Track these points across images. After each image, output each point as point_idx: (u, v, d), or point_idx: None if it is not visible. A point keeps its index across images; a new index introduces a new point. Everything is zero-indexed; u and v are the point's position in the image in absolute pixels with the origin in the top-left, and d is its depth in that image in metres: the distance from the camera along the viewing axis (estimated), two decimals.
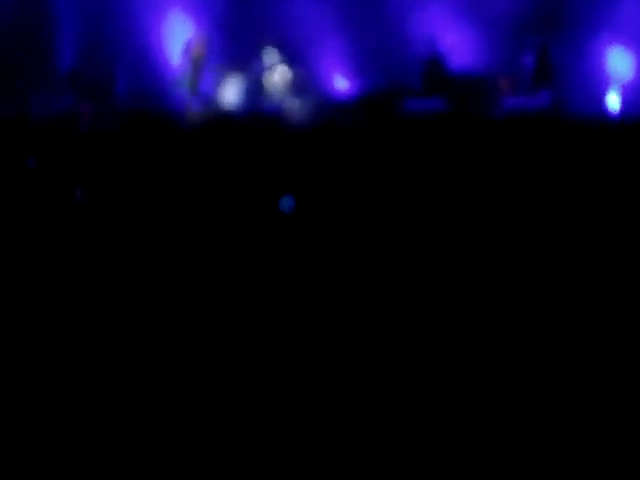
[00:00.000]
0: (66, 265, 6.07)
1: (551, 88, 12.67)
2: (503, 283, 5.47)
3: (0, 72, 13.05)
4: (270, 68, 13.75)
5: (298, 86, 13.81)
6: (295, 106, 13.70)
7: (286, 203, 6.96)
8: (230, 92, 13.51)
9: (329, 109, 12.81)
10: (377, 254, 6.09)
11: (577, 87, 12.87)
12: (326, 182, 8.07)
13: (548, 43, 12.93)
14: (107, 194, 8.05)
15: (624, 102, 12.85)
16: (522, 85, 12.86)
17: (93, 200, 7.97)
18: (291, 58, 13.75)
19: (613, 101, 12.86)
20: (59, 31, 13.95)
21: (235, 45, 13.82)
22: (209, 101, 13.32)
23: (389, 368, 4.52)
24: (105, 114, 12.56)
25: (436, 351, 4.68)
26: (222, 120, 11.76)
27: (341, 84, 14.01)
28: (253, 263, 6.01)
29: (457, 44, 13.27)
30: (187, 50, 13.07)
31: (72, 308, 5.28)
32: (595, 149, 8.86)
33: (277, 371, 4.52)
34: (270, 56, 13.73)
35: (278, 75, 13.75)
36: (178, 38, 13.63)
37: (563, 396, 4.18)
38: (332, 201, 7.48)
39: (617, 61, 13.09)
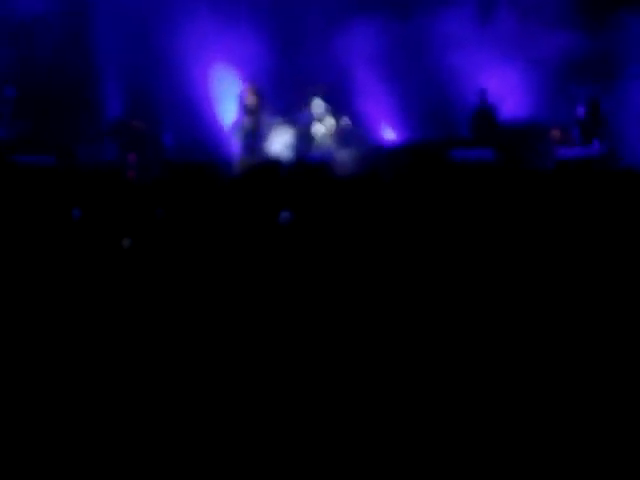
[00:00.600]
0: (111, 311, 6.05)
1: (603, 139, 12.53)
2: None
3: (49, 122, 13.21)
4: (317, 118, 13.79)
5: (345, 136, 13.82)
6: (342, 156, 13.69)
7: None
8: (279, 142, 13.56)
9: (376, 158, 12.75)
10: (418, 303, 5.97)
11: (630, 139, 12.73)
12: (372, 231, 8.00)
13: (599, 95, 12.84)
14: (153, 243, 8.04)
15: None
16: (574, 136, 12.75)
17: (139, 249, 7.95)
18: (338, 108, 13.79)
19: None
20: (106, 82, 14.12)
21: (283, 96, 13.90)
22: (258, 151, 13.37)
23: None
24: (151, 165, 12.64)
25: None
26: (271, 169, 11.76)
27: (388, 134, 13.99)
28: (297, 314, 5.92)
29: (507, 95, 13.17)
30: (241, 101, 13.15)
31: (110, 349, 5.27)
32: None
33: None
34: (317, 106, 13.78)
35: (325, 125, 13.78)
36: (225, 90, 13.73)
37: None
38: (379, 249, 7.41)
39: None
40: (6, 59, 13.69)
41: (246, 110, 13.00)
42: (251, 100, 13.00)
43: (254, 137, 12.98)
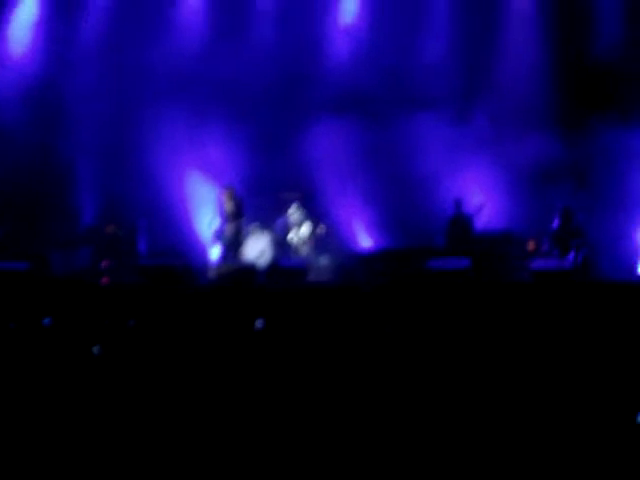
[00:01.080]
0: (85, 416, 5.99)
1: (578, 250, 12.59)
2: None
3: (22, 228, 13.13)
4: (294, 224, 13.80)
5: (321, 243, 13.82)
6: (318, 262, 13.67)
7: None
8: (255, 248, 13.53)
9: (352, 266, 12.73)
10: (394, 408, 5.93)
11: (605, 251, 12.79)
12: (347, 338, 7.96)
13: (572, 207, 12.94)
14: (124, 351, 7.94)
15: None
16: (548, 247, 12.81)
17: (110, 354, 7.85)
18: (315, 215, 13.83)
19: None
20: (80, 188, 14.13)
21: (259, 202, 13.95)
22: (235, 256, 13.33)
23: None
24: (125, 270, 12.56)
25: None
26: (244, 274, 11.72)
27: (364, 241, 14.01)
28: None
29: (483, 205, 13.29)
30: (221, 207, 13.15)
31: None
32: (623, 311, 8.74)
33: None
34: (294, 213, 13.81)
35: (302, 231, 13.79)
36: (200, 195, 13.77)
37: None
38: (354, 355, 7.39)
39: None
40: None
41: (226, 216, 13.01)
42: (230, 206, 13.03)
43: (236, 242, 12.97)
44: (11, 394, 6.49)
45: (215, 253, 12.99)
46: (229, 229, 12.93)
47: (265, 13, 14.60)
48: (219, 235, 12.99)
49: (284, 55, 14.22)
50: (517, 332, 8.13)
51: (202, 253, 13.15)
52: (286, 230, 13.76)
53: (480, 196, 13.36)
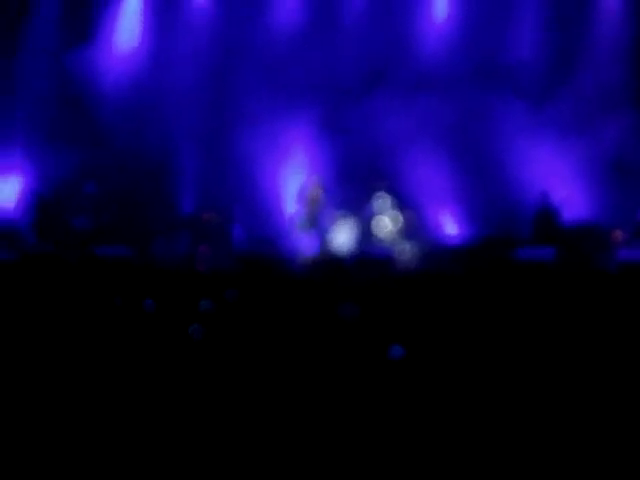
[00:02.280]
0: (182, 399, 6.19)
1: None
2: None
3: (126, 216, 13.65)
4: (381, 212, 13.99)
5: (408, 231, 13.96)
6: (405, 251, 13.81)
7: (395, 351, 7.02)
8: (342, 236, 13.73)
9: (439, 255, 12.86)
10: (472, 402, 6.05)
11: None
12: (433, 328, 8.07)
13: None
14: (222, 333, 8.18)
15: None
16: (635, 238, 12.76)
17: (209, 337, 8.11)
18: (401, 203, 14.00)
19: None
20: (180, 177, 14.52)
21: (347, 190, 14.11)
22: (323, 245, 13.54)
23: None
24: (222, 257, 12.89)
25: None
26: (334, 264, 11.90)
27: (451, 230, 14.12)
28: (366, 414, 6.02)
29: (570, 196, 13.31)
30: (302, 192, 13.35)
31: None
32: None
33: None
34: (381, 201, 13.99)
35: (388, 219, 13.94)
36: (293, 184, 14.03)
37: None
38: (439, 346, 7.47)
39: None
40: (90, 158, 14.21)
41: (307, 202, 13.13)
42: (313, 192, 13.14)
43: (316, 229, 13.10)
44: (112, 377, 6.73)
45: (299, 241, 13.15)
46: (310, 216, 13.03)
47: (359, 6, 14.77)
48: (299, 222, 13.11)
49: (376, 47, 14.37)
50: (602, 323, 8.10)
51: (291, 242, 13.40)
52: (374, 218, 13.94)
53: (566, 188, 13.37)
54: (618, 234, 12.74)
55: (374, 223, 13.88)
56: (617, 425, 5.22)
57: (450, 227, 14.15)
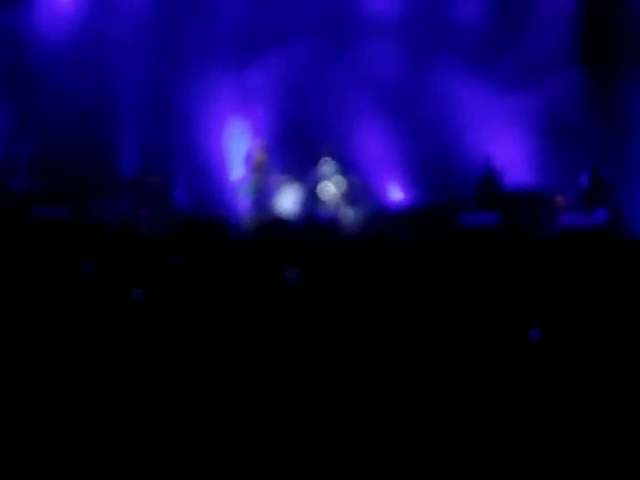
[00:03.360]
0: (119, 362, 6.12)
1: (606, 207, 12.59)
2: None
3: (64, 177, 13.33)
4: (326, 177, 13.91)
5: (352, 196, 13.90)
6: (349, 215, 13.76)
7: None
8: (287, 200, 13.63)
9: (383, 219, 12.84)
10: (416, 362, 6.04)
11: (635, 209, 12.74)
12: (377, 293, 8.05)
13: (600, 164, 12.90)
14: (164, 296, 8.11)
15: None
16: (577, 203, 12.82)
17: (149, 301, 8.03)
18: (346, 168, 13.92)
19: None
20: (121, 138, 14.24)
21: (292, 154, 13.99)
22: (267, 208, 13.42)
23: None
24: (163, 219, 12.72)
25: None
26: (277, 226, 11.83)
27: (395, 195, 14.07)
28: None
29: (512, 161, 13.33)
30: (249, 157, 13.18)
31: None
32: None
33: None
34: (326, 166, 13.90)
35: (333, 184, 13.87)
36: (236, 147, 13.84)
37: None
38: (383, 308, 7.47)
39: None
40: (24, 113, 13.83)
41: (254, 167, 12.97)
42: (259, 157, 12.99)
43: (261, 194, 12.96)
44: (51, 338, 6.63)
45: (244, 204, 13.00)
46: (256, 180, 12.88)
47: None
48: (244, 186, 12.95)
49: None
50: (545, 289, 8.14)
51: (235, 205, 13.26)
52: (318, 182, 13.86)
53: (509, 152, 13.38)
54: (560, 199, 12.81)
55: (319, 188, 13.80)
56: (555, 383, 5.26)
57: (395, 192, 14.10)
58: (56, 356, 6.23)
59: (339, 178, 13.84)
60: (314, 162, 13.91)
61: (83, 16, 14.38)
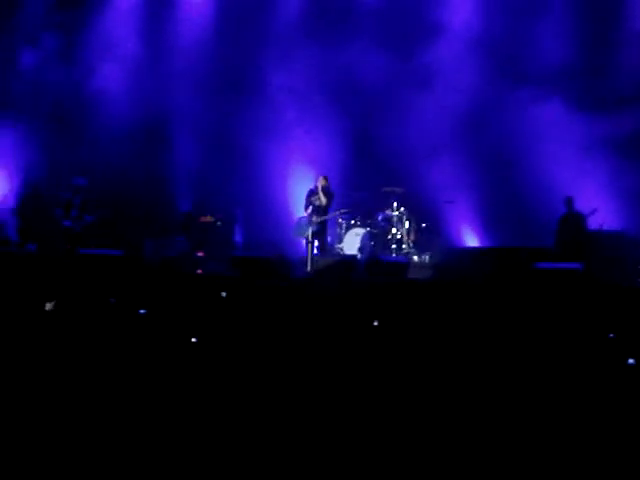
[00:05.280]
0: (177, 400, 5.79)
1: None
2: None
3: (118, 215, 13.03)
4: (396, 220, 13.41)
5: (424, 240, 13.42)
6: (420, 259, 13.25)
7: None
8: (353, 243, 13.20)
9: (455, 263, 12.22)
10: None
11: None
12: (448, 331, 7.61)
13: None
14: (214, 336, 7.76)
15: None
16: None
17: (203, 341, 7.66)
18: (418, 211, 13.41)
19: None
20: (177, 177, 14.02)
21: (360, 197, 13.61)
22: (331, 250, 13.03)
23: None
24: (220, 260, 12.39)
25: None
26: (345, 268, 11.39)
27: (470, 239, 13.50)
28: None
29: (595, 207, 12.51)
30: (311, 198, 12.75)
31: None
32: None
33: None
34: (395, 209, 13.42)
35: (402, 229, 13.39)
36: (299, 188, 13.45)
37: None
38: (455, 346, 7.04)
39: None
40: (78, 151, 13.68)
41: (315, 208, 12.56)
42: (321, 199, 12.55)
43: (322, 235, 12.58)
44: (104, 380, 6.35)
45: (304, 245, 12.58)
46: (317, 221, 12.48)
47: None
48: (305, 226, 12.49)
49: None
50: (628, 336, 7.65)
51: (298, 246, 12.86)
52: (388, 225, 13.39)
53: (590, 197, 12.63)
54: None
55: (389, 230, 13.32)
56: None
57: (469, 235, 13.50)
58: (112, 397, 5.91)
59: (410, 221, 13.37)
60: (385, 204, 13.45)
61: (142, 70, 14.36)
